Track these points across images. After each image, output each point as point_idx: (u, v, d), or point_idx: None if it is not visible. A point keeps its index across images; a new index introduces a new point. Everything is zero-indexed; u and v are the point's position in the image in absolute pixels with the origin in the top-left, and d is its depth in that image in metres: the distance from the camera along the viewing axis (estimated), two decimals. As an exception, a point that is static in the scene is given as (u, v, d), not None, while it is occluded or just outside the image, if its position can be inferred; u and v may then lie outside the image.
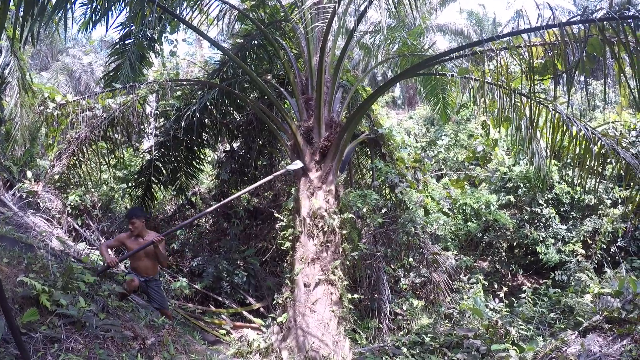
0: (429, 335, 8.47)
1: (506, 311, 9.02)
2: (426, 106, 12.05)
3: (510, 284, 12.67)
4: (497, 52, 6.90)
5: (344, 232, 8.05)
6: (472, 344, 7.90)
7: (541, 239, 11.21)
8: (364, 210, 8.42)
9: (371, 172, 10.24)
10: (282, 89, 9.29)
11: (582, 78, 6.78)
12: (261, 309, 10.17)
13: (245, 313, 9.83)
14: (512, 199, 11.76)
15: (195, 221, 11.20)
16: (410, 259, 10.04)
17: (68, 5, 6.19)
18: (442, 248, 10.74)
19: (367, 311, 9.89)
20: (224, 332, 9.00)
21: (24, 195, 9.21)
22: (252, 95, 10.47)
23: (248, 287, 10.34)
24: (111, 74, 9.59)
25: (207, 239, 11.01)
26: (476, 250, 12.13)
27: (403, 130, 13.26)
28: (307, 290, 7.57)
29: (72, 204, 9.83)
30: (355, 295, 8.27)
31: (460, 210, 11.40)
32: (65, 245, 8.26)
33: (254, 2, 9.03)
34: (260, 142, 10.90)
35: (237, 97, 9.65)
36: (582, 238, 11.36)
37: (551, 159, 8.23)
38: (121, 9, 7.17)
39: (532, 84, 6.71)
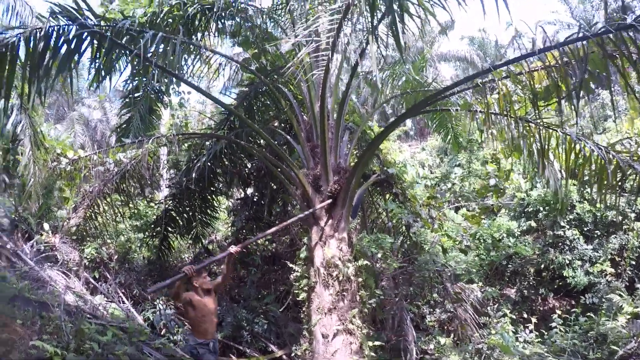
0: (458, 378, 8.18)
1: (538, 342, 8.60)
2: (438, 137, 11.76)
3: (540, 308, 12.11)
4: (498, 81, 6.65)
5: (360, 279, 7.68)
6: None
7: (567, 262, 10.66)
8: (379, 255, 8.09)
9: (385, 212, 9.93)
10: (288, 137, 9.04)
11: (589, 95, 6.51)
12: (284, 357, 9.83)
13: None
14: (533, 224, 11.24)
15: (213, 269, 11.01)
16: (435, 295, 9.67)
17: (72, 65, 6.26)
18: (466, 281, 10.35)
19: (393, 352, 9.53)
20: None
21: (42, 248, 9.16)
22: (261, 142, 10.33)
23: (269, 335, 9.96)
24: (123, 126, 9.54)
25: (226, 287, 10.77)
26: (502, 280, 11.58)
27: (417, 163, 12.97)
28: (326, 341, 7.18)
29: (88, 256, 9.66)
30: (377, 342, 7.77)
31: (482, 241, 10.97)
32: (82, 299, 8.14)
33: (255, 51, 8.89)
34: (273, 188, 10.68)
35: (243, 150, 9.49)
36: (609, 256, 10.76)
37: (568, 179, 7.85)
38: (125, 66, 7.09)
39: (538, 110, 6.41)
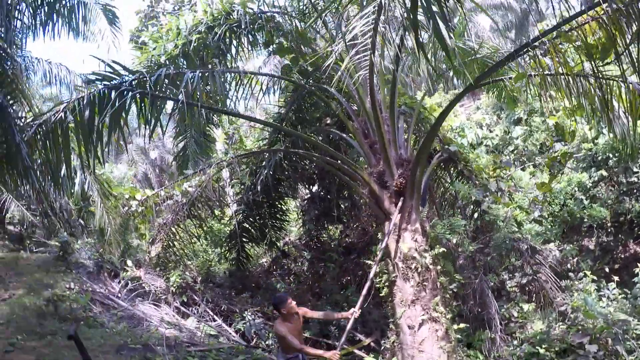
0: (543, 345, 8.09)
1: (622, 297, 8.38)
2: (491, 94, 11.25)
3: (622, 256, 11.67)
4: (550, 42, 6.20)
5: (438, 267, 7.67)
6: (588, 351, 7.46)
7: None
8: (454, 241, 8.03)
9: (454, 191, 9.76)
10: (344, 135, 9.00)
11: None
12: (372, 344, 10.05)
13: (357, 352, 9.75)
14: (605, 173, 10.67)
15: (292, 269, 11.34)
16: (513, 260, 9.54)
17: (122, 123, 6.46)
18: (542, 242, 10.12)
19: (477, 322, 9.50)
20: None
21: (129, 283, 9.72)
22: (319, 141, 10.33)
23: (355, 325, 10.22)
24: (180, 153, 9.81)
25: (307, 284, 11.06)
26: (579, 233, 11.14)
27: (474, 125, 12.61)
28: (412, 331, 7.29)
29: (174, 284, 10.08)
30: (462, 325, 7.91)
31: (554, 198, 10.59)
32: (177, 328, 8.62)
33: (293, 55, 8.81)
34: (338, 182, 10.71)
35: (302, 157, 9.51)
36: (689, 197, 10.13)
37: (635, 126, 7.45)
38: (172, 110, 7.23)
39: (594, 64, 6.05)
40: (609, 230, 11.37)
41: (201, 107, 6.46)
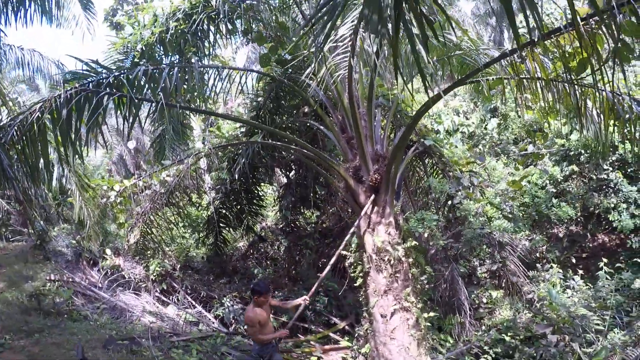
0: (509, 332, 8.48)
1: (586, 289, 8.78)
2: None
3: (590, 245, 12.16)
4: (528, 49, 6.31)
5: (410, 259, 7.90)
6: (550, 341, 7.87)
7: (612, 205, 10.45)
8: (425, 235, 8.28)
9: (425, 177, 9.96)
10: (321, 127, 9.07)
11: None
12: (346, 327, 10.39)
13: (332, 335, 10.08)
14: (576, 168, 10.94)
15: (269, 253, 11.51)
16: (484, 247, 9.85)
17: (100, 120, 6.43)
18: (512, 232, 10.45)
19: (447, 307, 9.87)
20: (315, 358, 9.17)
21: (108, 272, 9.81)
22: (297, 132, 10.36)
23: (330, 308, 10.50)
24: (158, 140, 9.79)
25: (283, 268, 11.26)
26: (549, 222, 11.44)
27: (451, 111, 12.74)
28: (385, 320, 7.60)
29: (154, 273, 10.17)
30: (432, 314, 8.16)
31: (525, 191, 10.87)
32: (158, 317, 8.80)
33: (272, 44, 8.77)
34: (314, 171, 10.81)
35: (278, 148, 9.56)
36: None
37: (607, 128, 7.66)
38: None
39: (568, 73, 6.12)
40: (578, 220, 11.77)
41: (180, 107, 6.46)
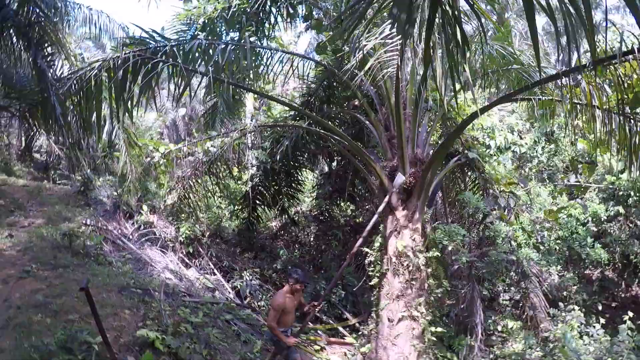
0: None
1: (605, 340, 8.41)
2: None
3: (622, 295, 11.78)
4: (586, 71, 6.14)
5: (429, 269, 7.90)
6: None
7: None
8: (449, 248, 8.22)
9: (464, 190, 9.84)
10: (367, 122, 9.13)
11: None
12: (357, 325, 10.43)
13: (340, 329, 10.16)
14: (622, 210, 10.43)
15: (299, 238, 11.73)
16: (512, 273, 9.65)
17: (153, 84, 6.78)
18: (540, 264, 10.15)
19: (461, 327, 9.73)
20: (318, 348, 9.22)
21: (142, 227, 10.34)
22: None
23: (346, 303, 10.58)
24: (210, 111, 10.14)
25: (309, 255, 11.48)
26: (583, 262, 10.88)
27: (506, 127, 12.42)
28: (391, 324, 7.70)
29: (183, 235, 10.56)
30: (440, 329, 8.09)
31: (565, 222, 10.50)
32: (178, 275, 9.21)
33: (330, 33, 8.85)
34: (355, 165, 10.89)
35: (320, 136, 9.70)
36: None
37: None
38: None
39: (622, 104, 5.99)
40: (616, 266, 11.30)
41: (229, 83, 6.69)
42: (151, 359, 5.81)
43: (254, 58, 7.48)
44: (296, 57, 8.31)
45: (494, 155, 11.41)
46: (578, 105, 7.27)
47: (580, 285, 10.81)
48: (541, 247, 9.10)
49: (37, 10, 6.23)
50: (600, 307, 10.54)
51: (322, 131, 9.12)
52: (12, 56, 6.71)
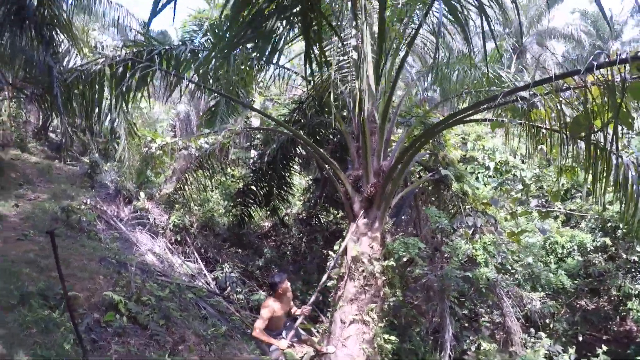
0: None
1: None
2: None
3: (616, 329, 12.60)
4: (541, 97, 6.70)
5: (384, 278, 9.14)
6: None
7: (636, 292, 10.78)
8: (404, 259, 9.54)
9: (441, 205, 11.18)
10: (342, 132, 10.42)
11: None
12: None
13: (313, 330, 11.31)
14: (609, 242, 11.27)
15: (287, 240, 13.50)
16: (492, 295, 10.75)
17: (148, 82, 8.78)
18: (531, 288, 11.16)
19: (434, 343, 10.73)
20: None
21: (138, 212, 12.43)
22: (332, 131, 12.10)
23: (323, 306, 12.17)
24: (212, 109, 12.13)
25: (293, 258, 13.19)
26: (568, 294, 11.92)
27: (509, 150, 13.54)
28: (343, 326, 8.85)
29: (172, 222, 12.54)
30: (392, 337, 9.14)
31: (552, 250, 11.59)
32: (160, 258, 11.23)
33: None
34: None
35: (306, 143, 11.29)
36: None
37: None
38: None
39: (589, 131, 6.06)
40: (611, 299, 12.10)
41: (211, 90, 8.59)
42: (112, 318, 7.67)
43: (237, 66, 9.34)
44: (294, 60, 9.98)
45: (494, 176, 12.72)
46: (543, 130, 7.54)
47: (561, 314, 11.75)
48: (500, 268, 10.11)
49: (50, 11, 8.21)
50: (580, 338, 11.43)
51: (300, 140, 10.71)
52: (31, 43, 8.24)
